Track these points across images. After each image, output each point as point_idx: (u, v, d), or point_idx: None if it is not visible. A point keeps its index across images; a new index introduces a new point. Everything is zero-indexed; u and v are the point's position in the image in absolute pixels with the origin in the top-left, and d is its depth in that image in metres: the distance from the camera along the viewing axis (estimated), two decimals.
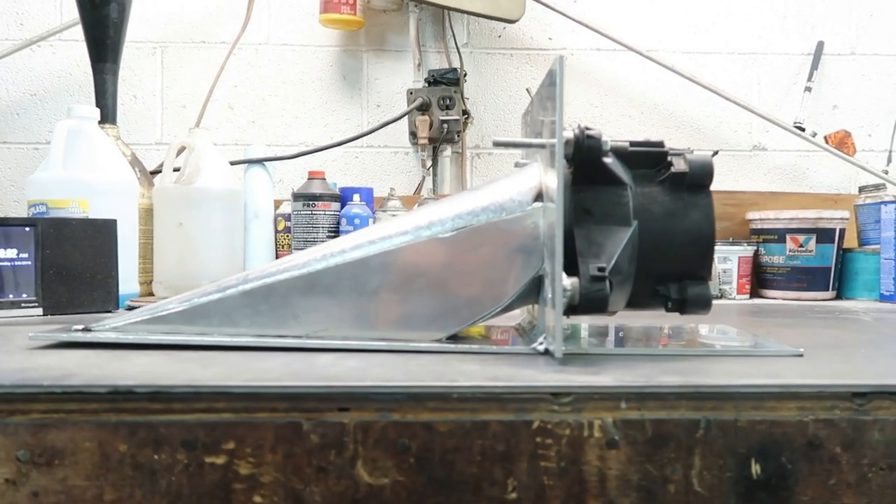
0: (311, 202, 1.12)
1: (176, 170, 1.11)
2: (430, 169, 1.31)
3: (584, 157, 0.57)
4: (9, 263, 0.83)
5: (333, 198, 1.13)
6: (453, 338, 0.61)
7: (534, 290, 0.62)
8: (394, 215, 1.12)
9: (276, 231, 1.19)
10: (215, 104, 1.34)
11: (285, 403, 0.46)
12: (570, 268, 0.55)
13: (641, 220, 0.59)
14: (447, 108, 1.28)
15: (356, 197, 1.13)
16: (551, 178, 0.58)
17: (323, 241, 1.13)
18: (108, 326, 0.61)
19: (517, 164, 0.76)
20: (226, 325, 0.60)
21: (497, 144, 0.60)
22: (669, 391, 0.47)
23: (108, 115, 1.10)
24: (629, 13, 1.38)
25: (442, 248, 0.60)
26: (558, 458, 0.46)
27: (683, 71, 1.30)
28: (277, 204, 1.21)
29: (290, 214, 1.17)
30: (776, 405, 0.46)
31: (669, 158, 0.61)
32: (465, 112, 1.31)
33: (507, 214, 0.60)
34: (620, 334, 0.69)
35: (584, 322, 0.76)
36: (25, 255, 0.84)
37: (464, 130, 1.31)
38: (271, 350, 0.58)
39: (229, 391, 0.45)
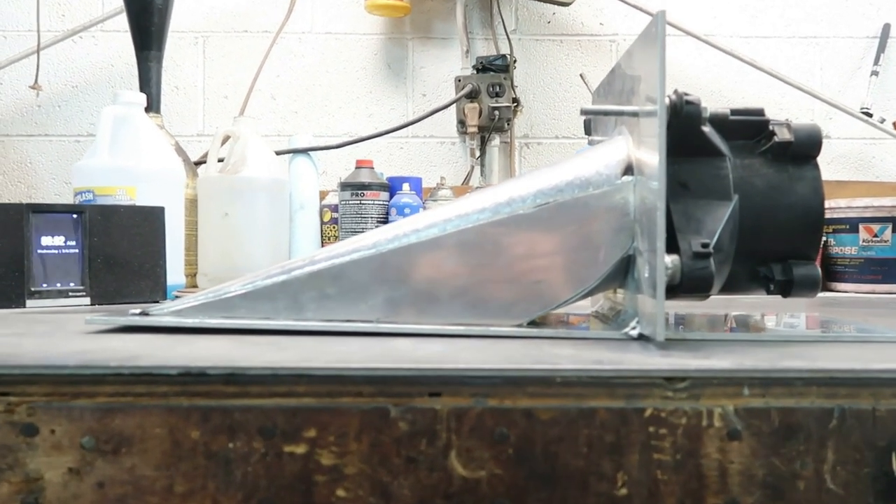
0: (359, 192, 1.08)
1: (220, 160, 1.09)
2: (479, 158, 1.26)
3: (681, 125, 0.52)
4: (56, 251, 0.81)
5: (382, 187, 1.09)
6: (532, 323, 0.56)
7: (620, 273, 0.57)
8: None
9: (322, 222, 1.16)
10: (258, 94, 1.31)
11: (371, 387, 0.42)
12: (667, 246, 0.51)
13: (742, 193, 0.54)
14: (497, 95, 1.23)
15: (405, 186, 1.09)
16: (645, 151, 0.53)
17: None
18: (166, 310, 0.58)
19: (591, 142, 0.71)
20: (291, 310, 0.56)
21: (585, 113, 0.55)
22: (798, 376, 0.42)
23: (152, 103, 1.08)
24: None
25: (523, 225, 0.56)
26: (674, 450, 0.41)
27: (743, 55, 1.24)
28: (323, 195, 1.18)
29: (336, 205, 1.14)
30: None
31: (771, 127, 0.56)
32: (514, 100, 1.26)
33: (594, 189, 0.56)
34: (681, 325, 0.63)
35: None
36: (73, 243, 0.82)
37: (513, 118, 1.27)
38: (342, 335, 0.54)
39: (311, 373, 0.41)
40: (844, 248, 1.10)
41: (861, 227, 1.08)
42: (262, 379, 0.41)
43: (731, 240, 0.53)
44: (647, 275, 0.51)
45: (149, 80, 1.09)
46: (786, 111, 1.32)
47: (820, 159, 0.56)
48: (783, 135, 0.55)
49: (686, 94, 0.52)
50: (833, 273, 1.13)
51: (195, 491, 0.41)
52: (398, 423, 0.41)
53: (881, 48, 1.30)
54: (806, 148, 0.55)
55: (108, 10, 1.30)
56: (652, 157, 0.51)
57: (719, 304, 0.73)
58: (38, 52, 1.15)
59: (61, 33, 1.30)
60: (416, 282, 0.56)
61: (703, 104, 0.53)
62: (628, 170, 0.56)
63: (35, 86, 1.16)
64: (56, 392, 0.41)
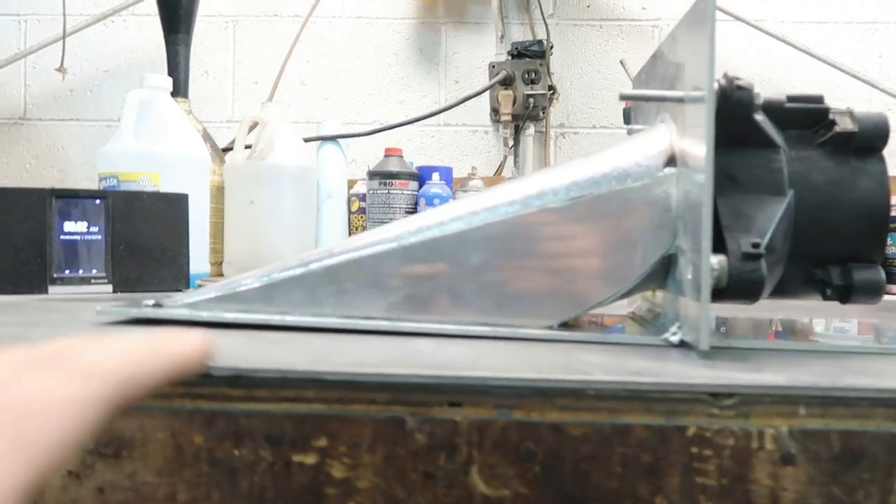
0: (387, 180, 1.05)
1: (248, 146, 1.06)
2: (513, 148, 1.22)
3: (730, 112, 0.48)
4: (79, 237, 0.79)
5: (411, 176, 1.06)
6: (564, 325, 0.53)
7: (660, 273, 0.53)
8: None
9: (350, 212, 1.13)
10: (287, 80, 1.29)
11: (386, 394, 0.38)
12: (714, 245, 0.46)
13: (798, 189, 0.49)
14: (532, 82, 1.19)
15: (435, 176, 1.05)
16: (689, 140, 0.49)
17: None
18: (180, 303, 0.55)
19: (630, 131, 0.67)
20: (308, 305, 0.53)
21: (624, 98, 0.51)
22: (862, 396, 0.37)
23: (179, 87, 1.06)
24: None
25: (556, 220, 0.52)
26: (719, 474, 0.37)
27: (795, 42, 1.18)
28: (351, 184, 1.15)
29: (364, 195, 1.11)
30: None
31: (832, 116, 0.51)
32: (550, 87, 1.21)
33: (632, 182, 0.51)
34: (722, 329, 0.59)
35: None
36: (96, 229, 0.80)
37: (549, 106, 1.22)
38: (360, 333, 0.51)
39: (321, 377, 0.38)
40: None
41: None
42: (270, 382, 0.38)
43: (785, 239, 0.49)
44: (690, 276, 0.47)
45: (177, 65, 1.08)
46: (841, 101, 1.25)
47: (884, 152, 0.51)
48: (845, 124, 0.50)
49: (737, 79, 0.48)
50: (889, 275, 1.06)
51: (198, 500, 0.38)
52: (415, 435, 0.38)
53: None
54: (871, 139, 0.50)
55: None
56: (698, 147, 0.46)
57: (764, 306, 0.68)
58: (63, 36, 1.15)
59: (92, 17, 1.29)
60: (440, 278, 0.53)
61: (756, 90, 0.48)
62: (671, 161, 0.51)
63: (61, 69, 1.15)
64: None
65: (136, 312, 0.54)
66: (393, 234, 0.54)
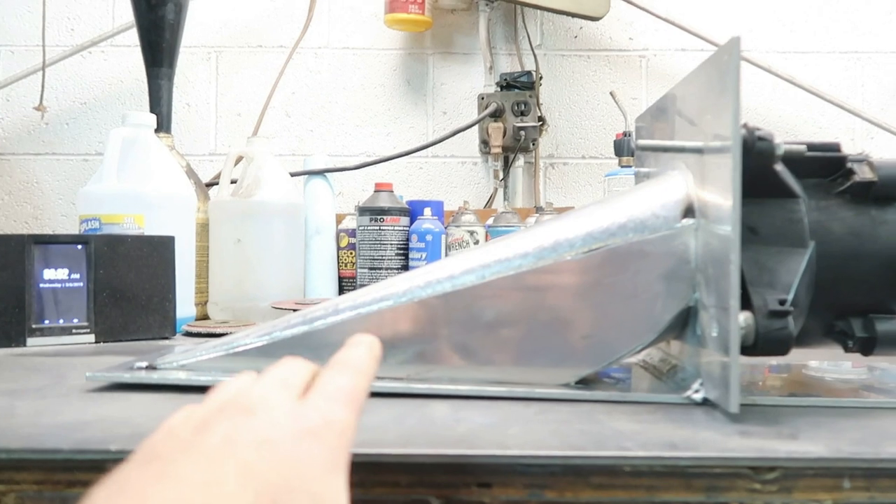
0: (378, 216, 1.03)
1: (233, 181, 1.04)
2: (503, 180, 1.21)
3: (751, 163, 0.46)
4: (59, 285, 0.76)
5: (402, 212, 1.03)
6: (581, 381, 0.51)
7: (677, 324, 0.51)
8: (470, 231, 1.02)
9: (339, 248, 1.10)
10: (272, 112, 1.26)
11: (409, 476, 0.36)
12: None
13: (819, 240, 0.48)
14: (522, 113, 1.18)
15: (427, 211, 1.03)
16: (710, 191, 0.47)
17: (391, 259, 1.04)
18: (175, 364, 0.52)
19: (638, 174, 0.65)
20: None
21: (642, 148, 0.50)
22: None
23: (162, 123, 1.03)
24: (717, 11, 1.27)
25: (571, 273, 0.50)
26: None
27: (780, 72, 1.18)
28: (339, 219, 1.12)
29: (353, 230, 1.08)
30: None
31: (850, 165, 0.50)
32: (540, 119, 1.21)
33: (650, 233, 0.50)
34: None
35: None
36: (77, 276, 0.76)
37: (539, 137, 1.21)
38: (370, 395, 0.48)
39: None
40: None
41: None
42: None
43: (808, 292, 0.47)
44: (714, 334, 0.46)
45: (159, 99, 1.04)
46: (825, 130, 1.26)
47: None
48: (864, 173, 0.49)
49: (757, 129, 0.47)
50: None
51: None
52: None
53: None
54: (890, 188, 0.49)
55: (119, 25, 1.26)
56: (720, 198, 0.45)
57: None
58: (43, 69, 1.11)
59: (70, 48, 1.26)
60: (451, 335, 0.51)
61: (777, 139, 0.47)
62: (688, 212, 0.50)
63: (40, 107, 1.11)
64: (48, 479, 0.36)
65: (129, 378, 0.51)
66: (401, 288, 0.52)
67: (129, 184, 0.86)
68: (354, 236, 1.07)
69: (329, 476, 0.27)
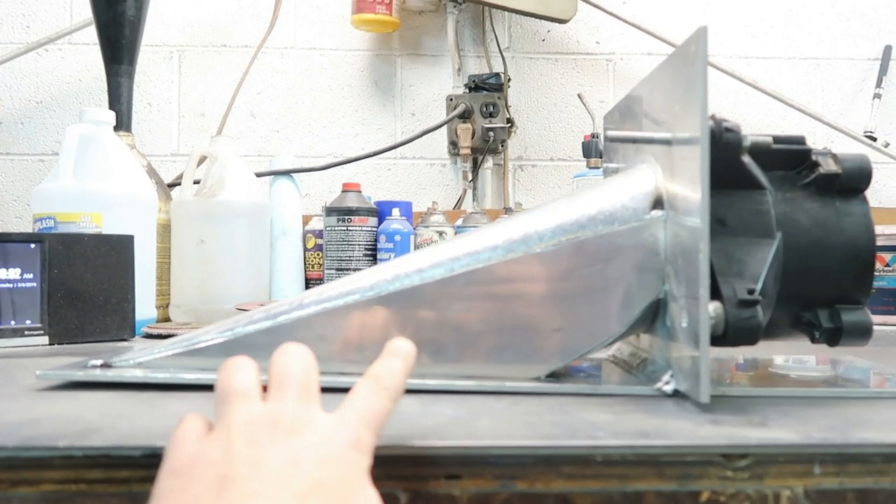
0: (346, 217, 1.01)
1: (196, 182, 1.01)
2: (472, 181, 1.20)
3: (719, 154, 0.46)
4: (10, 286, 0.73)
5: (370, 212, 1.02)
6: (551, 375, 0.50)
7: (647, 317, 0.51)
8: (439, 231, 1.01)
9: (306, 249, 1.09)
10: (237, 112, 1.24)
11: (375, 469, 0.35)
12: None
13: (786, 231, 0.48)
14: (490, 115, 1.17)
15: (395, 211, 1.02)
16: (678, 183, 0.47)
17: (359, 260, 1.02)
18: (132, 362, 0.50)
19: (607, 169, 0.65)
20: None
21: (611, 139, 0.49)
22: (876, 451, 0.36)
23: (122, 121, 1.00)
24: (682, 16, 1.29)
25: (541, 266, 0.50)
26: None
27: (744, 76, 1.20)
28: (306, 220, 1.10)
29: (320, 231, 1.07)
30: None
31: (814, 157, 0.50)
32: (509, 120, 1.21)
33: (619, 225, 0.50)
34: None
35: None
36: (30, 276, 0.74)
37: (507, 139, 1.21)
38: (335, 391, 0.47)
39: None
40: None
41: None
42: None
43: (775, 283, 0.48)
44: (684, 324, 0.45)
45: (119, 97, 1.02)
46: (786, 133, 1.28)
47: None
48: (829, 166, 0.50)
49: (725, 121, 0.47)
50: None
51: None
52: None
53: (883, 71, 1.27)
54: (855, 181, 0.49)
55: (77, 22, 1.23)
56: (688, 190, 0.45)
57: None
58: None
59: (25, 45, 1.22)
60: (419, 329, 0.50)
61: (744, 132, 0.47)
62: (657, 203, 0.50)
63: None
64: None
65: (82, 375, 0.48)
66: (368, 282, 0.50)
67: (87, 182, 0.84)
68: (322, 237, 1.06)
69: (368, 481, 0.31)
